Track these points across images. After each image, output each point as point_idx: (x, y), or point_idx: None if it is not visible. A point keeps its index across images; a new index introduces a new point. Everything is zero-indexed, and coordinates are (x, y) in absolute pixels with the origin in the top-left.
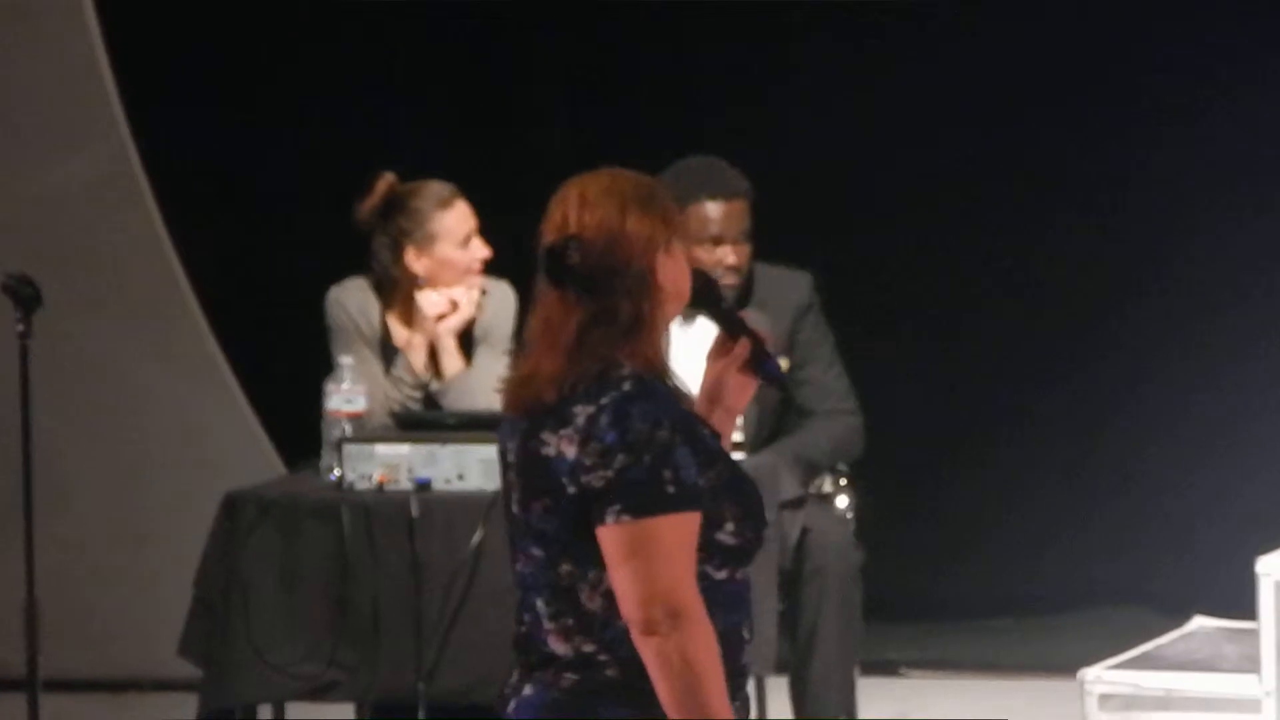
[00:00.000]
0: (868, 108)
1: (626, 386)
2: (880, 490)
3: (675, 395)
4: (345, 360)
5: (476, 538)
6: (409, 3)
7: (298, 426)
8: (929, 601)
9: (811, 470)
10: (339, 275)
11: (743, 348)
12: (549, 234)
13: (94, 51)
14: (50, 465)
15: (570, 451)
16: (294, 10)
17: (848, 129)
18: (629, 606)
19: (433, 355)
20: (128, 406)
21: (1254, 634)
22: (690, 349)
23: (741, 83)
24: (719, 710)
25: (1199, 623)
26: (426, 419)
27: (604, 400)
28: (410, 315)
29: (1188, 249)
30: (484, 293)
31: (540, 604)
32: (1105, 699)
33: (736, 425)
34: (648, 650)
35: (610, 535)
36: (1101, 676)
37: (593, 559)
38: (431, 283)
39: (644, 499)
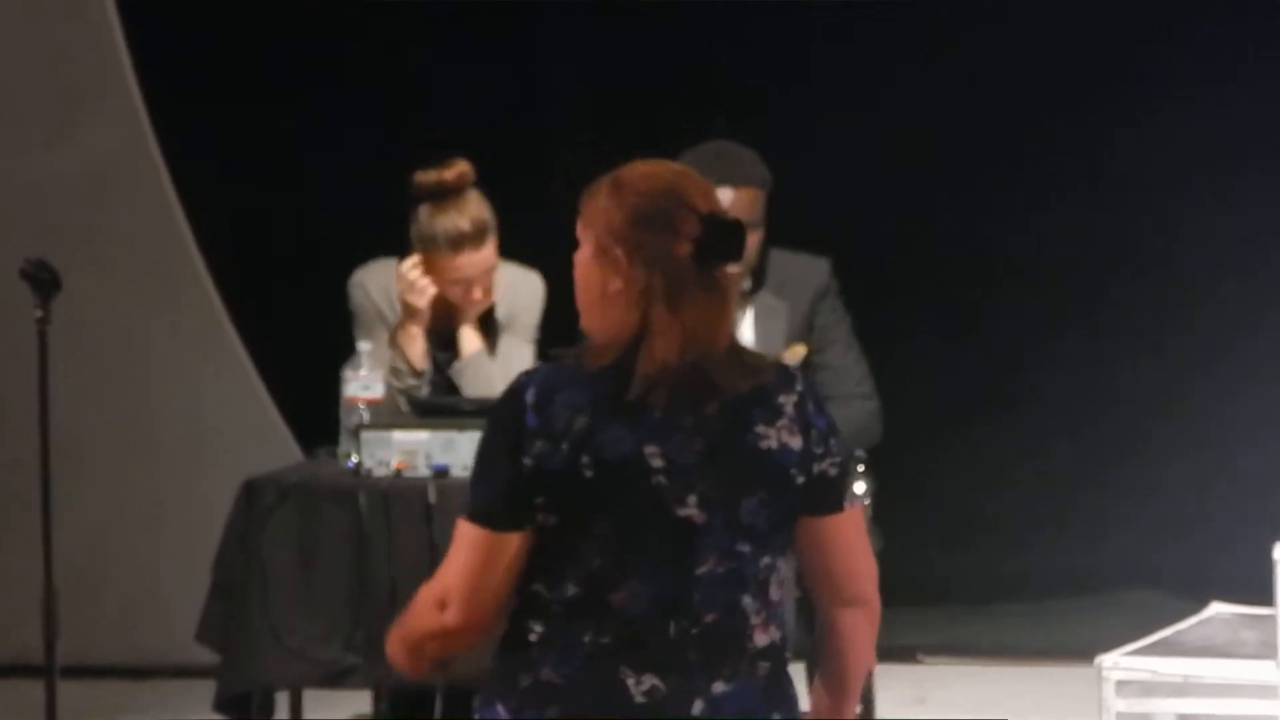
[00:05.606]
0: (875, 100)
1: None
2: (895, 475)
3: None
4: (364, 346)
5: None
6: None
7: (313, 410)
8: (945, 586)
9: None
10: (362, 258)
11: None
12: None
13: (109, 26)
14: (66, 448)
15: (795, 442)
16: None
17: (854, 122)
18: (865, 583)
19: (453, 338)
20: (142, 388)
21: (1271, 620)
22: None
23: (758, 77)
24: None
25: (1216, 608)
26: (444, 405)
27: (798, 388)
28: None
29: (1191, 226)
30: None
31: (747, 599)
32: (1123, 685)
33: None
34: (862, 617)
35: (853, 517)
36: (1119, 662)
37: (783, 550)
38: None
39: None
